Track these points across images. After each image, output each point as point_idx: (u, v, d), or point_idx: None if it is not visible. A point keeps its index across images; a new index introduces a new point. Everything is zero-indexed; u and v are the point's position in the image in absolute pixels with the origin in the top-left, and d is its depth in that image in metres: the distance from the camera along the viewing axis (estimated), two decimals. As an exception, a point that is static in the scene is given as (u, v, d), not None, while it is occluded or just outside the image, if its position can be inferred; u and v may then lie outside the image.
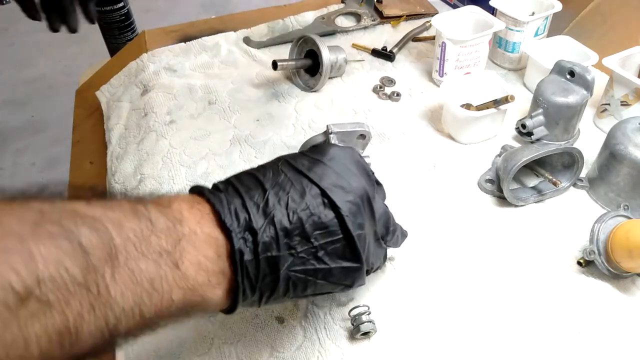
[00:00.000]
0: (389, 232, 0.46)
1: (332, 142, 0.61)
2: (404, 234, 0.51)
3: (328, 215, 0.38)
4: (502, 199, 0.64)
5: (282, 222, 0.37)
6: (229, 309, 0.38)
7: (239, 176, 0.40)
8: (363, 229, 0.39)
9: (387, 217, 0.46)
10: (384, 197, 0.48)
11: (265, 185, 0.38)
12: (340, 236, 0.38)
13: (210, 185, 0.40)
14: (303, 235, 0.37)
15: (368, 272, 0.45)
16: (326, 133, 0.55)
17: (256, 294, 0.37)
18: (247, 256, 0.36)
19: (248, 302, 0.38)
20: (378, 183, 0.47)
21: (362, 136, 0.63)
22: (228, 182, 0.39)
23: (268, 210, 0.37)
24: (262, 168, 0.41)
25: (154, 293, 0.31)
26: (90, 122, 0.90)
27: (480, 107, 0.71)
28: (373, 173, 0.45)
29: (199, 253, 0.34)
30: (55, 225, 0.28)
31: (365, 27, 1.00)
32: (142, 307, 0.31)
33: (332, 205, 0.38)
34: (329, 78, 0.85)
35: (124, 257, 0.30)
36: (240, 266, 0.35)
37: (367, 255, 0.41)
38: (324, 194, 0.38)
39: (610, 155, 0.60)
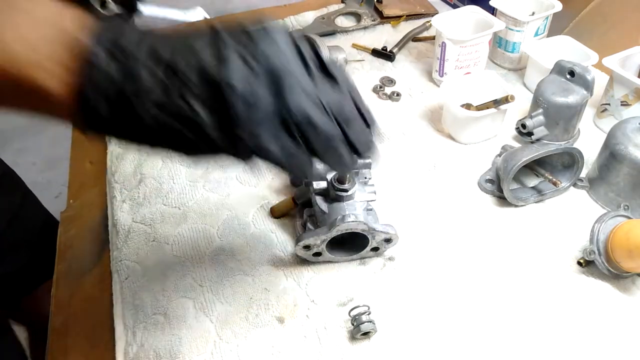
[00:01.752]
0: (343, 123, 0.36)
1: None
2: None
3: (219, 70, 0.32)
4: (502, 199, 0.64)
5: (162, 53, 0.32)
6: (82, 125, 0.34)
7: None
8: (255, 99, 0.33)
9: (341, 106, 0.36)
10: (344, 90, 0.37)
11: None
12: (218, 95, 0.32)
13: None
14: (181, 72, 0.32)
15: (261, 155, 0.35)
16: None
17: (110, 120, 0.33)
18: (102, 62, 0.31)
19: (101, 125, 0.33)
20: (330, 75, 0.37)
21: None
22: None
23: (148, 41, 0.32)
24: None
25: None
26: (90, 122, 0.90)
27: (480, 107, 0.71)
28: (321, 61, 0.37)
29: (30, 29, 0.31)
30: None
31: (365, 27, 1.00)
32: None
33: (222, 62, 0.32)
34: (329, 78, 0.85)
35: None
36: (90, 69, 0.31)
37: (254, 127, 0.33)
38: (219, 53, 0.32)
39: (610, 155, 0.60)
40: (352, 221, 0.51)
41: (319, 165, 0.51)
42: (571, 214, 0.62)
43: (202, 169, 0.70)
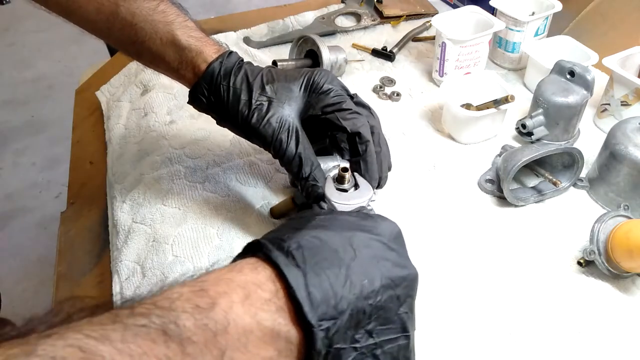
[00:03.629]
0: None
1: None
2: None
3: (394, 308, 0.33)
4: (502, 199, 0.64)
5: (358, 307, 0.31)
6: None
7: (307, 239, 0.33)
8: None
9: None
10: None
11: (344, 259, 0.32)
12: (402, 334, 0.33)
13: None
14: (366, 327, 0.32)
15: None
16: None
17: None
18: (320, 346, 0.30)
19: None
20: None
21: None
22: (297, 245, 0.32)
23: (348, 294, 0.31)
24: (332, 234, 0.34)
25: None
26: (90, 122, 0.90)
27: (480, 107, 0.71)
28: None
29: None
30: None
31: (365, 27, 1.00)
32: None
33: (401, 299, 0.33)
34: (329, 78, 0.85)
35: None
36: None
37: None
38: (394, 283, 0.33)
39: (610, 155, 0.60)
40: (352, 221, 0.51)
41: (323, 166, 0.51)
42: (571, 214, 0.62)
43: (201, 169, 0.70)
